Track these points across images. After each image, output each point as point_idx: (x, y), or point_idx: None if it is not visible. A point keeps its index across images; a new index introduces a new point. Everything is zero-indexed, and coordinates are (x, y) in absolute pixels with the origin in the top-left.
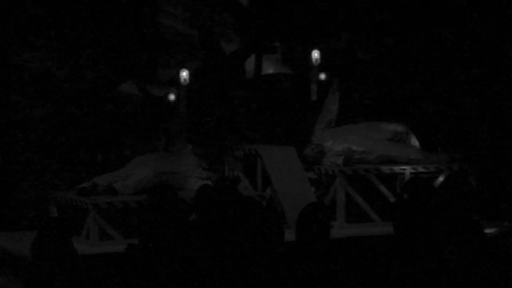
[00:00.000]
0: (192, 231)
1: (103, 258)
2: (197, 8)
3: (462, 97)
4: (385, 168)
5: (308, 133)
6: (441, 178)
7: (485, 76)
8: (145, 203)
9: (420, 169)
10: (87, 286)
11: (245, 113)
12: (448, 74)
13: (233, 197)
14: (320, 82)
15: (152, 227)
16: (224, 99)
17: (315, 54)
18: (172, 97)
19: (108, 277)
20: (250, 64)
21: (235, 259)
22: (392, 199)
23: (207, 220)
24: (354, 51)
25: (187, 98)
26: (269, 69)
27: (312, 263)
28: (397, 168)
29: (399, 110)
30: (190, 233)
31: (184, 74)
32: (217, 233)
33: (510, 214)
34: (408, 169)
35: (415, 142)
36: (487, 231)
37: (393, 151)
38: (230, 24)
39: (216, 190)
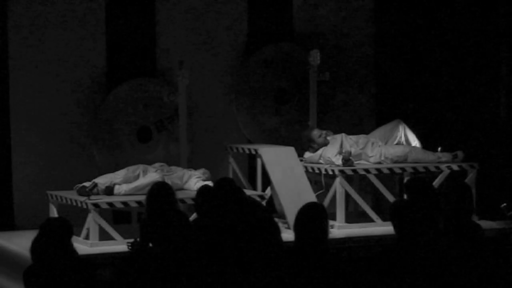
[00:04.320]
0: (192, 231)
1: (103, 258)
2: None
3: (462, 96)
4: (385, 168)
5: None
6: (441, 178)
7: (485, 75)
8: (144, 202)
9: (420, 169)
10: (87, 286)
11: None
12: (448, 72)
13: (236, 197)
14: (320, 82)
15: (152, 227)
16: None
17: (315, 54)
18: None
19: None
20: None
21: (234, 259)
22: (392, 199)
23: (207, 220)
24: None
25: None
26: None
27: (312, 264)
28: (397, 168)
29: (399, 109)
30: (190, 233)
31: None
32: (216, 233)
33: (510, 214)
34: (408, 169)
35: (414, 139)
36: (487, 231)
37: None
38: None
39: (217, 190)
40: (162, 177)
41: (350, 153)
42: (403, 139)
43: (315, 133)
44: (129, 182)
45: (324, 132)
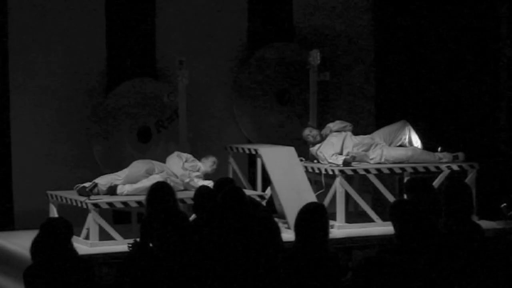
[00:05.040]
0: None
1: (103, 258)
2: None
3: (462, 96)
4: (385, 168)
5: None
6: (441, 178)
7: (485, 75)
8: (144, 202)
9: (420, 169)
10: (87, 286)
11: None
12: (448, 73)
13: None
14: (321, 82)
15: (152, 227)
16: None
17: (315, 54)
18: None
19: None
20: None
21: (234, 259)
22: (392, 199)
23: (206, 220)
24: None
25: None
26: None
27: (312, 264)
28: (397, 168)
29: (399, 109)
30: (189, 234)
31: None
32: (215, 233)
33: (510, 214)
34: (408, 169)
35: (417, 141)
36: (487, 231)
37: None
38: None
39: (217, 190)
40: (165, 180)
41: (354, 158)
42: (407, 140)
43: (305, 133)
44: (132, 179)
45: (315, 132)
